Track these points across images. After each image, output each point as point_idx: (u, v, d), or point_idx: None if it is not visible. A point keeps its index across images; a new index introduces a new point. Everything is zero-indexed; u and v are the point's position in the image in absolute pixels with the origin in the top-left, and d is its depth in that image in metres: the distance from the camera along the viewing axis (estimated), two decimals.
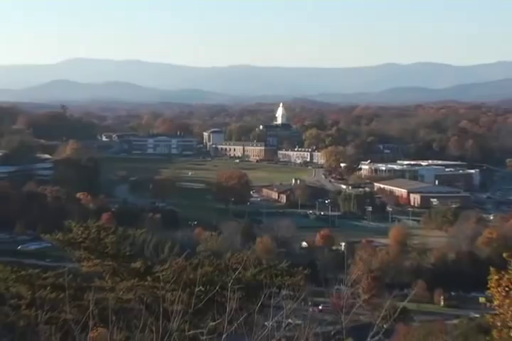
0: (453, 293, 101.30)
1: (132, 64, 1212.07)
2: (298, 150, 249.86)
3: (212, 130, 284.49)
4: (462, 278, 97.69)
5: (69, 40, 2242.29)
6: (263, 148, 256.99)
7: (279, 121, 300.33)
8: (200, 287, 15.21)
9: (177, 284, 15.63)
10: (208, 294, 15.20)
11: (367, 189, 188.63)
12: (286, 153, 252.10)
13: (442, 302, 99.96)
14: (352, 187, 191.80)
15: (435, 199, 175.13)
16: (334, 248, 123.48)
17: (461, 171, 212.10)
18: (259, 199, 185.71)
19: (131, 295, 16.44)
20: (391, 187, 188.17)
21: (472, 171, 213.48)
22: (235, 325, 14.22)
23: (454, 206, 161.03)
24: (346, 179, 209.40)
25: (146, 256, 17.54)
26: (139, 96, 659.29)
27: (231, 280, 15.06)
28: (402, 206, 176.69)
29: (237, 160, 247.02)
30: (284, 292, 16.45)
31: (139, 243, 18.04)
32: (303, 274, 17.66)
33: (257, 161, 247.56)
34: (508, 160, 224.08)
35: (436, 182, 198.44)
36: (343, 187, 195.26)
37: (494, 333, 20.41)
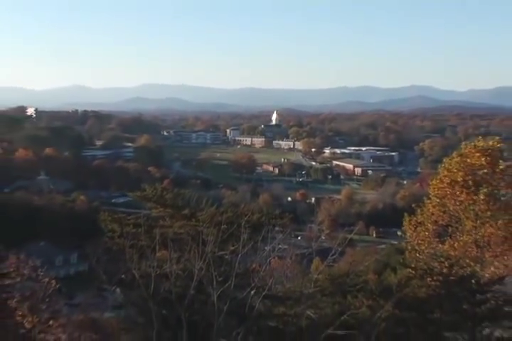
0: (381, 229, 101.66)
1: (181, 87, 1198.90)
2: (285, 141, 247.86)
3: (232, 128, 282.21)
4: (387, 219, 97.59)
5: (142, 72, 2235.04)
6: (263, 139, 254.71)
7: (273, 122, 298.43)
8: (225, 225, 15.22)
9: (211, 224, 15.64)
10: (229, 230, 15.22)
11: (328, 165, 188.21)
12: (278, 142, 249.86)
13: (374, 235, 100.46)
14: (319, 164, 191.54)
15: (370, 171, 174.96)
16: (308, 201, 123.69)
17: (386, 154, 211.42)
18: (261, 171, 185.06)
19: (182, 230, 16.45)
20: (343, 164, 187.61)
21: (393, 154, 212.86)
22: (246, 249, 14.30)
23: (382, 175, 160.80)
24: (315, 158, 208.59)
25: (191, 206, 17.51)
26: (185, 107, 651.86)
27: (244, 221, 15.09)
28: (350, 175, 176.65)
29: (239, 146, 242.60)
30: (276, 228, 16.46)
31: (186, 198, 18.00)
32: (288, 218, 17.64)
33: (260, 148, 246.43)
34: (415, 147, 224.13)
35: (371, 160, 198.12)
36: (314, 163, 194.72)
37: (406, 254, 20.46)
